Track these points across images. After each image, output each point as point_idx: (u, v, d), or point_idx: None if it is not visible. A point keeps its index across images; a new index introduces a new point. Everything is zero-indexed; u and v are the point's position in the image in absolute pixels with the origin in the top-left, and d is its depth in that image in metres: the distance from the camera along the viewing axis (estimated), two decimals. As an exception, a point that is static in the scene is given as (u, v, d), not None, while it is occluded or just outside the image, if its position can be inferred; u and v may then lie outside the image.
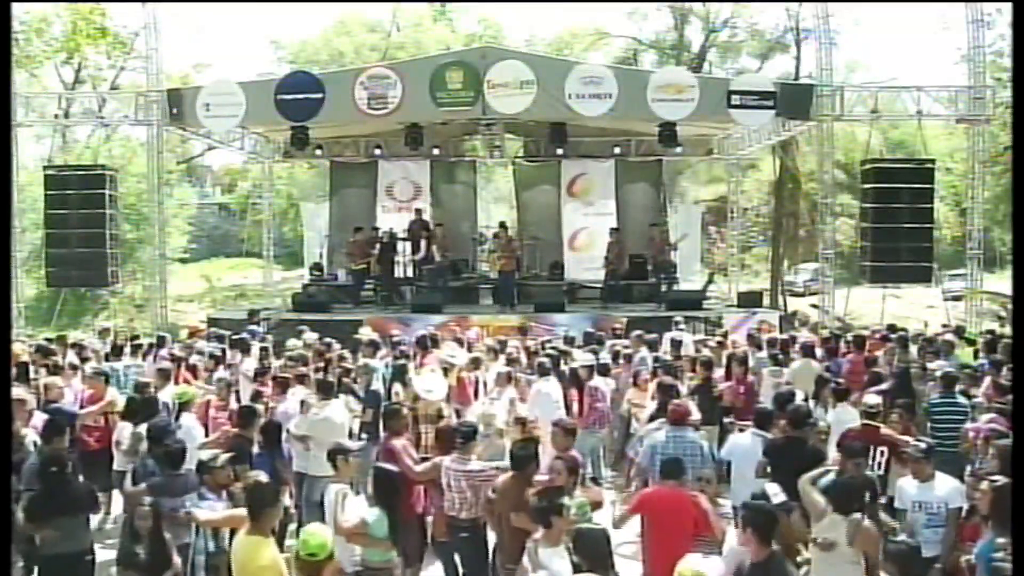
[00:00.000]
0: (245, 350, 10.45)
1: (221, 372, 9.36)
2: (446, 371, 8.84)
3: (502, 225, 17.54)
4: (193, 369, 9.69)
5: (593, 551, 4.32)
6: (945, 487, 5.47)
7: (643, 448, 6.53)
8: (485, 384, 9.09)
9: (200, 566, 5.28)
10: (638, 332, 11.10)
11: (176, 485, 5.72)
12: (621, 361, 9.89)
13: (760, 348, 10.64)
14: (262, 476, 5.17)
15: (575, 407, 8.77)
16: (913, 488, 5.59)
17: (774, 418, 6.74)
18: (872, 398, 7.31)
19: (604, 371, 9.33)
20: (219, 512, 5.28)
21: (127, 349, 10.93)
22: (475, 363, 9.34)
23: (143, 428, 6.66)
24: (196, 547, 5.29)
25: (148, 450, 6.27)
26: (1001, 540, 4.47)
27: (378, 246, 16.44)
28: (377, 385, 8.65)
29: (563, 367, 9.33)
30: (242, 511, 4.97)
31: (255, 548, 4.45)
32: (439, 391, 7.91)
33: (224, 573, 5.15)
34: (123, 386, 9.66)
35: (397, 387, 8.59)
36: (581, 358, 9.70)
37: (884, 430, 6.79)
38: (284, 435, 6.92)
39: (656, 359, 9.76)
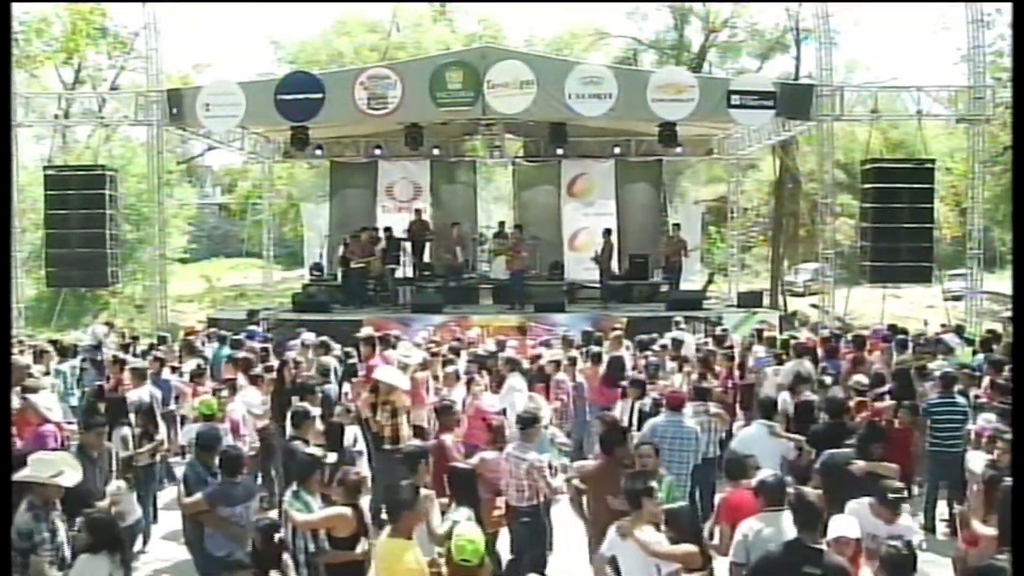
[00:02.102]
0: (192, 352, 10.44)
1: (167, 374, 9.28)
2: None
3: (508, 225, 17.49)
4: (134, 371, 8.70)
5: (686, 525, 4.69)
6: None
7: (642, 431, 6.75)
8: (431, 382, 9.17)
9: (301, 565, 5.20)
10: (617, 334, 11.13)
11: (235, 493, 5.54)
12: (588, 363, 9.78)
13: (768, 346, 10.69)
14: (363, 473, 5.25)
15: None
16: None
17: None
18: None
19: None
20: (316, 513, 5.19)
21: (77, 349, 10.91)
22: (427, 364, 9.37)
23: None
24: (296, 547, 5.20)
25: (196, 457, 6.06)
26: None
27: (378, 246, 16.39)
28: (329, 387, 8.66)
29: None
30: (338, 511, 5.06)
31: (399, 550, 4.48)
32: (401, 383, 7.97)
33: (323, 573, 5.15)
34: (68, 388, 9.64)
35: (346, 387, 8.76)
36: (548, 354, 9.91)
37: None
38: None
39: (645, 358, 9.78)
